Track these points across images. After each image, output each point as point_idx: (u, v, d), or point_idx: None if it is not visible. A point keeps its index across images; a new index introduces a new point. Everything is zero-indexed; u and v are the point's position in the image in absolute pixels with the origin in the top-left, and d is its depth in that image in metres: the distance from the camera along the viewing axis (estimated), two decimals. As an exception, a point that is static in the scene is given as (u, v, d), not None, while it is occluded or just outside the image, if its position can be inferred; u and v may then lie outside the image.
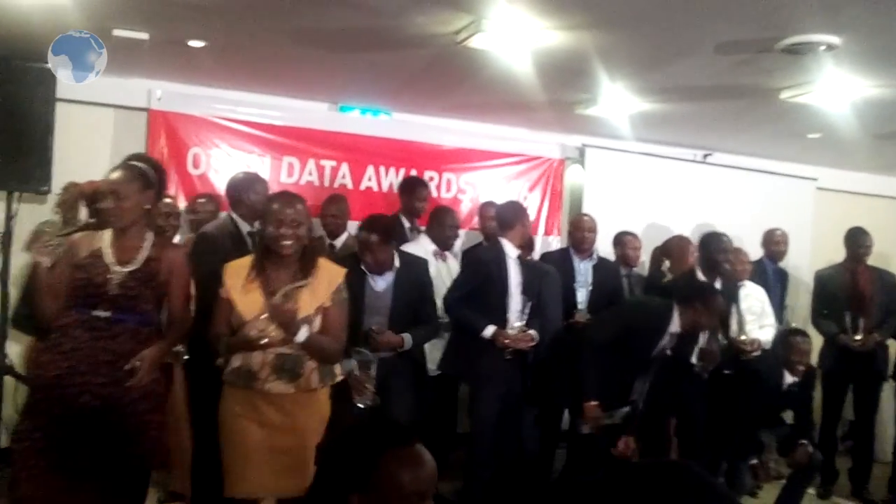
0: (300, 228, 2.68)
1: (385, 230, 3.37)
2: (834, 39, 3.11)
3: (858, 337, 4.61)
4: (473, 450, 3.76)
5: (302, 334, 2.63)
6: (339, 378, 2.85)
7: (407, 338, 3.38)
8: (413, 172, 5.26)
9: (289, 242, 2.65)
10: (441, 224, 4.38)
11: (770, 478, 4.12)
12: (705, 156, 6.18)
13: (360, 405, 3.17)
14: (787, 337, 4.09)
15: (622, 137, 5.59)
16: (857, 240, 4.90)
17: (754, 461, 3.96)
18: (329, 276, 2.75)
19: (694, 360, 3.98)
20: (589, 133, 5.64)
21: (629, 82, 4.20)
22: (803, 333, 4.14)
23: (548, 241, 5.74)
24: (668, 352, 3.70)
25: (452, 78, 4.29)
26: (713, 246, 4.32)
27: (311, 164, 5.11)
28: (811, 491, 4.79)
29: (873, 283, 4.79)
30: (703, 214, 5.88)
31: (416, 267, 3.58)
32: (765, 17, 3.03)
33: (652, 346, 3.63)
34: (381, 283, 3.43)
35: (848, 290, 4.77)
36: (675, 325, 3.61)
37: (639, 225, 5.48)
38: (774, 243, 5.24)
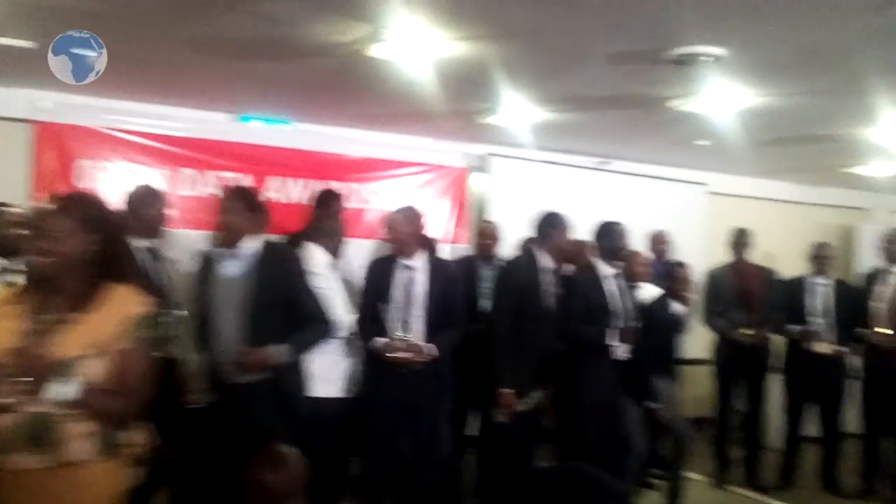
0: (62, 243, 1.94)
1: (242, 194, 3.25)
2: (720, 51, 3.30)
3: (748, 332, 4.89)
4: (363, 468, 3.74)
5: (55, 389, 1.85)
6: (137, 448, 2.06)
7: (275, 351, 2.98)
8: (318, 183, 5.21)
9: (43, 260, 1.96)
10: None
11: (664, 425, 4.36)
12: (603, 163, 6.41)
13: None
14: (671, 269, 4.72)
15: (525, 146, 5.73)
16: (738, 239, 5.22)
17: (651, 405, 4.19)
18: (123, 309, 1.99)
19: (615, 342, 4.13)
20: (493, 142, 5.75)
21: (529, 92, 4.32)
22: (682, 265, 4.75)
23: (456, 250, 5.80)
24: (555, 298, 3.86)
25: (355, 87, 4.29)
26: (614, 234, 4.45)
27: (211, 176, 4.99)
28: (705, 479, 5.04)
29: (759, 281, 5.10)
30: (601, 220, 6.09)
31: (281, 256, 3.19)
32: (653, 30, 3.19)
33: (538, 291, 3.75)
34: (232, 268, 3.04)
35: (736, 288, 5.06)
36: (545, 261, 3.79)
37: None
38: (658, 243, 5.55)
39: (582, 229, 5.94)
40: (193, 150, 4.94)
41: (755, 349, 4.98)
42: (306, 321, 3.12)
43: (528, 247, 4.08)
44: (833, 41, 3.19)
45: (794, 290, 5.12)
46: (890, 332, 4.83)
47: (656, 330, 4.40)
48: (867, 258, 6.30)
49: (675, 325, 4.61)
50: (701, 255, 6.42)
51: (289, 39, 3.43)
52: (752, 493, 4.93)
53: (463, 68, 3.80)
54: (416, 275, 3.60)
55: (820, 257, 5.11)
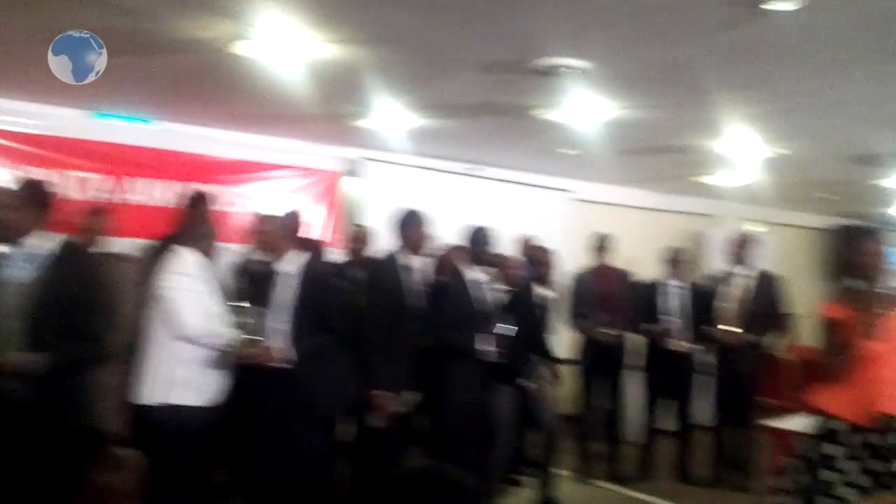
0: None
1: (25, 186, 2.95)
2: (582, 63, 3.46)
3: (608, 331, 5.14)
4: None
5: None
6: None
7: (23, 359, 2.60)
8: (184, 185, 5.00)
9: None
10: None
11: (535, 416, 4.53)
12: (474, 169, 6.54)
13: None
14: (536, 254, 4.96)
15: (399, 151, 5.76)
16: (599, 243, 5.53)
17: (525, 383, 4.34)
18: None
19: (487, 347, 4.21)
20: (368, 146, 5.74)
21: (402, 98, 4.35)
22: (545, 250, 5.01)
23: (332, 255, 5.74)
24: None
25: (220, 86, 4.16)
26: (480, 238, 4.58)
27: (65, 175, 4.68)
28: (570, 474, 5.26)
29: (619, 283, 5.39)
30: (470, 224, 6.23)
31: (78, 260, 2.95)
32: (521, 41, 3.30)
33: (404, 291, 3.77)
34: (17, 267, 2.74)
35: (597, 290, 5.32)
36: (403, 258, 3.84)
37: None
38: (526, 248, 5.68)
39: (455, 234, 6.11)
40: (45, 149, 4.62)
41: (615, 348, 5.25)
42: (83, 333, 2.78)
43: (391, 248, 4.06)
44: (683, 58, 3.42)
45: (650, 292, 5.44)
46: (737, 329, 5.23)
47: (524, 314, 4.52)
48: (716, 261, 6.80)
49: (542, 309, 4.77)
50: (567, 259, 6.71)
51: (147, 33, 3.28)
52: (613, 486, 5.19)
53: (335, 71, 3.77)
54: (286, 279, 3.52)
55: (674, 261, 5.46)
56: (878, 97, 4.00)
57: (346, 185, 5.96)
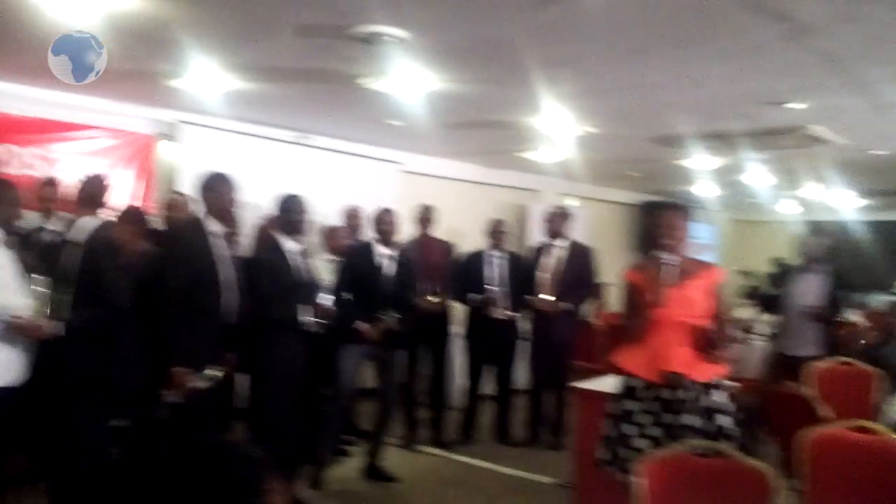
0: None
1: None
2: (402, 33, 3.43)
3: (432, 300, 5.24)
4: None
5: None
6: None
7: None
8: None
9: None
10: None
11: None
12: (301, 138, 6.38)
13: None
14: (379, 215, 4.81)
15: (218, 115, 5.48)
16: (423, 215, 5.64)
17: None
18: None
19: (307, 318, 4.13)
20: (184, 108, 5.41)
21: (218, 58, 4.12)
22: (389, 210, 4.83)
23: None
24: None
25: (8, 35, 3.73)
26: (293, 207, 4.40)
27: None
28: (396, 441, 5.34)
29: (442, 254, 5.52)
30: (282, 193, 6.08)
31: None
32: (338, 5, 3.22)
33: (211, 260, 3.54)
34: None
35: (420, 260, 5.40)
36: (212, 224, 3.58)
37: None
38: (351, 218, 5.69)
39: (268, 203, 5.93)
40: None
41: (438, 316, 5.36)
42: None
43: (195, 214, 3.74)
44: (500, 34, 3.50)
45: (476, 262, 5.61)
46: (552, 298, 5.52)
47: (367, 275, 4.52)
48: (538, 234, 7.13)
49: (381, 269, 4.70)
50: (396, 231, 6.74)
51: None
52: (437, 451, 5.32)
53: (141, 25, 3.50)
54: (75, 247, 3.29)
55: (496, 232, 5.65)
56: (677, 81, 4.33)
57: (163, 150, 5.60)
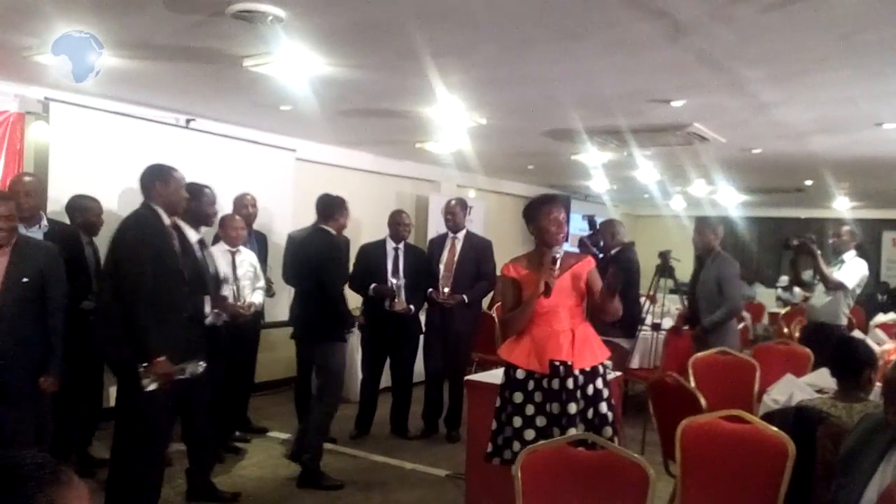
0: None
1: None
2: (279, 11, 3.27)
3: None
4: None
5: None
6: None
7: None
8: None
9: None
10: None
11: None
12: (188, 121, 6.08)
13: None
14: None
15: (93, 93, 5.13)
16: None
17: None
18: None
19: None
20: (53, 86, 5.02)
21: (84, 28, 3.82)
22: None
23: (4, 208, 4.97)
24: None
25: None
26: (203, 198, 4.28)
27: None
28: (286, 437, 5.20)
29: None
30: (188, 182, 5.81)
31: None
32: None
33: (172, 251, 3.55)
34: None
35: None
36: (165, 218, 3.60)
37: (114, 190, 5.14)
38: (244, 206, 5.49)
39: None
40: None
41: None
42: None
43: (147, 204, 3.62)
44: (384, 18, 3.40)
45: (374, 254, 5.52)
46: (447, 290, 5.51)
47: None
48: (438, 225, 7.10)
49: None
50: (287, 219, 6.55)
51: None
52: (332, 446, 5.19)
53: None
54: None
55: (396, 224, 5.57)
56: (565, 75, 4.35)
57: (34, 130, 5.20)
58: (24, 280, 3.36)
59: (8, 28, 3.81)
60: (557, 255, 3.19)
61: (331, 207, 4.71)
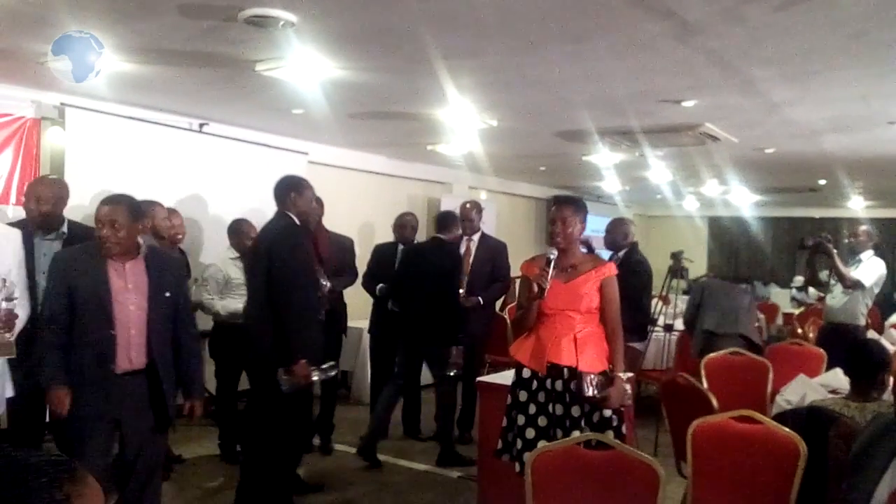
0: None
1: None
2: (291, 16, 3.31)
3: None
4: None
5: None
6: None
7: None
8: None
9: None
10: None
11: None
12: (202, 125, 6.14)
13: None
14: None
15: (106, 98, 5.19)
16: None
17: None
18: None
19: None
20: (69, 92, 5.09)
21: (100, 37, 3.86)
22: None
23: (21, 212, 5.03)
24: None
25: None
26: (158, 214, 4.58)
27: None
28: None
29: (331, 246, 5.45)
30: (199, 185, 5.87)
31: None
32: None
33: (311, 257, 3.86)
34: None
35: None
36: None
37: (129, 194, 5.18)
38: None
39: (176, 194, 5.70)
40: None
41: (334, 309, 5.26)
42: None
43: (284, 213, 3.83)
44: (393, 22, 3.42)
45: (384, 255, 5.54)
46: (461, 292, 5.51)
47: None
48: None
49: None
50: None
51: None
52: (345, 448, 5.20)
53: (16, 3, 3.27)
54: None
55: (400, 226, 5.59)
56: (575, 77, 4.36)
57: (50, 135, 5.27)
58: (167, 295, 3.11)
59: (23, 35, 3.86)
60: (551, 257, 3.18)
61: (447, 220, 5.15)
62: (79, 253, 3.09)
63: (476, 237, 5.68)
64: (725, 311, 5.40)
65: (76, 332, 2.96)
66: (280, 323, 3.55)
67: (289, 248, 3.63)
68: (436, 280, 4.88)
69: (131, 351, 2.98)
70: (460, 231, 5.26)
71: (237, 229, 5.05)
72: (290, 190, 3.81)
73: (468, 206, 5.75)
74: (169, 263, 3.25)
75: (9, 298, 2.93)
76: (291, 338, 3.55)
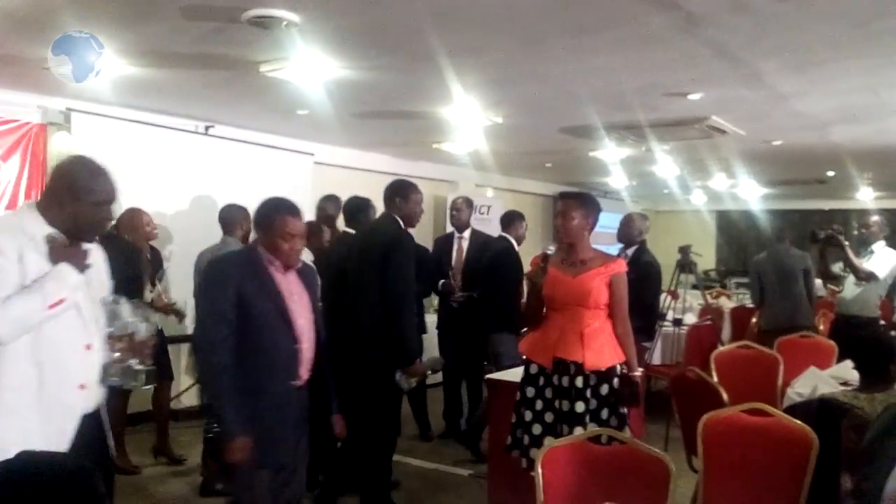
0: None
1: None
2: (293, 16, 3.31)
3: None
4: None
5: None
6: None
7: None
8: None
9: None
10: None
11: None
12: (207, 128, 6.15)
13: None
14: None
15: (112, 102, 5.22)
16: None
17: None
18: None
19: None
20: (75, 96, 5.12)
21: (104, 41, 3.88)
22: None
23: (30, 217, 5.07)
24: None
25: None
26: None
27: None
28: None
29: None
30: (206, 187, 5.88)
31: None
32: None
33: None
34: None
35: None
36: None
37: (136, 197, 5.20)
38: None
39: (184, 196, 5.72)
40: None
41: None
42: None
43: (390, 214, 3.97)
44: (396, 19, 3.42)
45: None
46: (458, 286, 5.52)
47: None
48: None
49: None
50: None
51: None
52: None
53: (19, 7, 3.28)
54: None
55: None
56: (580, 71, 4.35)
57: (56, 140, 5.29)
58: (319, 304, 3.00)
59: (29, 41, 3.88)
60: (548, 251, 3.26)
61: (511, 219, 5.40)
62: (240, 261, 2.83)
63: (467, 234, 5.69)
64: None
65: (246, 348, 2.64)
66: (393, 326, 3.67)
67: (405, 255, 3.76)
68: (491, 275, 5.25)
69: (305, 366, 2.78)
70: (524, 231, 5.45)
71: (314, 231, 5.11)
72: (395, 194, 3.95)
73: (459, 201, 5.80)
74: (309, 271, 2.99)
75: (146, 321, 2.48)
76: (409, 339, 3.72)
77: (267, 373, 2.66)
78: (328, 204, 5.17)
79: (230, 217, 4.57)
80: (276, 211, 2.76)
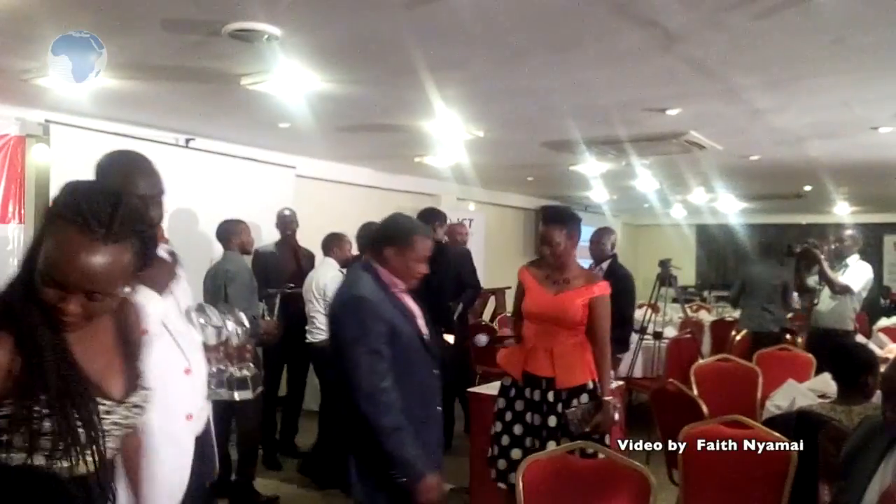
0: None
1: None
2: (275, 30, 3.31)
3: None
4: None
5: None
6: None
7: None
8: None
9: None
10: None
11: None
12: (188, 140, 6.12)
13: None
14: None
15: (92, 115, 5.18)
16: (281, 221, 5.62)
17: None
18: None
19: None
20: (54, 108, 5.07)
21: (83, 53, 3.87)
22: None
23: (7, 230, 5.01)
24: None
25: None
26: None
27: None
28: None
29: (304, 259, 5.58)
30: (186, 200, 5.83)
31: None
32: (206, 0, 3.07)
33: None
34: None
35: (285, 265, 5.42)
36: None
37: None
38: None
39: (167, 208, 5.66)
40: None
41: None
42: None
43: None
44: (377, 34, 3.43)
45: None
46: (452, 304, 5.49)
47: None
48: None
49: None
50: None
51: None
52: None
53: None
54: None
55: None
56: (559, 86, 4.38)
57: (35, 153, 5.24)
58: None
59: (7, 52, 3.85)
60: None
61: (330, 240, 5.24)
62: (376, 288, 2.52)
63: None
64: None
65: (401, 380, 2.44)
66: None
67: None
68: None
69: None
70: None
71: (339, 243, 5.19)
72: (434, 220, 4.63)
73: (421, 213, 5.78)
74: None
75: (238, 323, 2.21)
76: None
77: (419, 400, 2.50)
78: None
79: (229, 231, 4.61)
80: (416, 232, 2.57)
